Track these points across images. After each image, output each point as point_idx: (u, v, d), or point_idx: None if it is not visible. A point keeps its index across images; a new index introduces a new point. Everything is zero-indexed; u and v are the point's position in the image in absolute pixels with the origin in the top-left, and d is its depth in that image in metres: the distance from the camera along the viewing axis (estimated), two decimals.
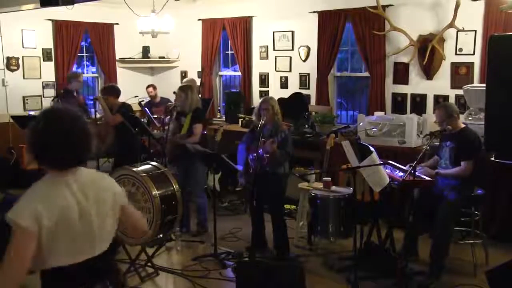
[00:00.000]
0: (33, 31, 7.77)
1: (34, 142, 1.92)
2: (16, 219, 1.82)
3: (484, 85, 4.02)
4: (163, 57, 9.03)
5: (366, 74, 6.76)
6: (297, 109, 6.77)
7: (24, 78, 7.72)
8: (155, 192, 4.22)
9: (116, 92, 6.08)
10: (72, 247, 1.93)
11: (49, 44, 7.96)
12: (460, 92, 5.70)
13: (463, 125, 4.37)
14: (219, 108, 8.68)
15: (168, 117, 6.36)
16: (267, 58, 7.79)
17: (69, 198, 1.93)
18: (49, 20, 7.82)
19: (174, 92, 5.54)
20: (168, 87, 8.37)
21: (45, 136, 1.90)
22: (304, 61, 7.36)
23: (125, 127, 5.79)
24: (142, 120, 6.80)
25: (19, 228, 1.82)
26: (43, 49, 7.90)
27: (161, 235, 4.46)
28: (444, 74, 6.09)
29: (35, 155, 1.94)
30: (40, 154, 1.93)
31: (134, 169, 4.41)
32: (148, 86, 8.07)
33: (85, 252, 1.98)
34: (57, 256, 1.91)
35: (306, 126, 6.61)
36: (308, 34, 7.19)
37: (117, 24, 8.52)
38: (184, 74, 8.89)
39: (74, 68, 8.34)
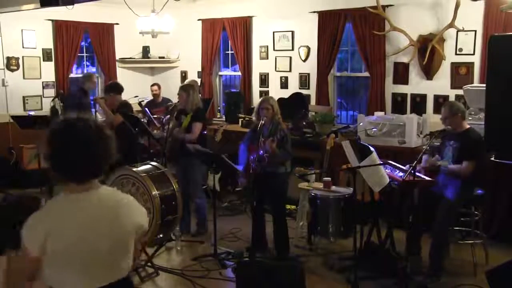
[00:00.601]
0: (33, 31, 7.77)
1: (48, 152, 1.87)
2: (24, 237, 1.83)
3: (484, 85, 4.01)
4: (163, 57, 9.03)
5: (366, 74, 6.76)
6: (297, 109, 6.77)
7: (24, 78, 7.73)
8: (155, 192, 4.23)
9: (119, 90, 6.11)
10: (76, 273, 1.86)
11: (49, 44, 7.96)
12: (460, 92, 5.70)
13: (468, 126, 4.37)
14: (219, 108, 8.69)
15: (168, 116, 6.37)
16: (267, 58, 7.79)
17: (81, 221, 1.85)
18: (49, 20, 7.82)
19: None
20: (168, 87, 8.39)
21: (56, 146, 1.87)
22: (304, 61, 7.37)
23: (125, 127, 5.78)
24: (142, 120, 6.80)
25: (24, 246, 1.84)
26: (43, 49, 7.90)
27: (161, 235, 4.47)
28: (444, 74, 6.09)
29: (51, 165, 1.88)
30: (54, 164, 1.88)
31: (134, 169, 4.42)
32: (153, 85, 8.09)
33: (91, 279, 1.88)
34: (59, 280, 1.86)
35: (304, 123, 6.59)
36: (308, 34, 7.19)
37: (117, 24, 8.52)
38: (184, 74, 8.90)
39: (74, 68, 8.35)
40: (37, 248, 1.82)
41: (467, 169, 4.19)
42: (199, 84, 7.86)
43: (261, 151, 4.53)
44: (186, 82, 7.88)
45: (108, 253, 1.90)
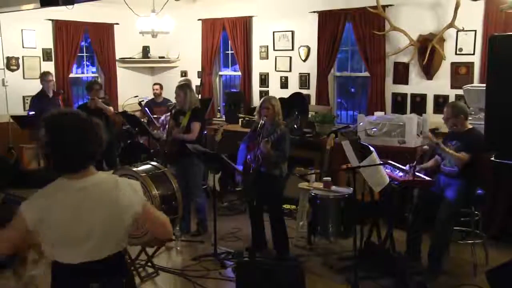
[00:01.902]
0: (33, 31, 7.76)
1: (46, 139, 2.00)
2: (21, 209, 1.97)
3: (484, 85, 4.01)
4: (163, 57, 9.03)
5: (366, 74, 6.76)
6: (293, 110, 6.75)
7: (24, 78, 7.72)
8: (155, 192, 4.22)
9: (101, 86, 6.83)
10: (68, 248, 2.01)
11: (49, 44, 7.96)
12: (460, 92, 5.70)
13: (470, 126, 4.37)
14: (219, 108, 8.68)
15: (164, 116, 6.39)
16: (267, 58, 7.78)
17: (70, 201, 1.99)
18: (49, 20, 7.82)
19: None
20: (168, 87, 8.36)
21: (47, 144, 2.00)
22: (304, 61, 7.36)
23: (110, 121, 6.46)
24: (142, 120, 6.82)
25: (19, 216, 1.97)
26: (43, 49, 7.90)
27: None
28: (444, 74, 6.09)
29: (51, 152, 2.02)
30: (53, 150, 2.01)
31: (134, 168, 4.41)
32: (155, 84, 8.10)
33: (82, 255, 2.02)
34: (58, 252, 2.02)
35: (296, 126, 6.52)
36: (308, 34, 7.19)
37: (117, 24, 8.52)
38: (184, 74, 8.89)
39: (74, 68, 8.35)
40: (31, 224, 1.96)
41: (462, 159, 4.18)
42: (198, 84, 7.86)
43: (258, 151, 4.53)
44: (180, 81, 7.86)
45: (102, 232, 2.03)
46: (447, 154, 4.25)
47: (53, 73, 7.93)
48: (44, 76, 7.10)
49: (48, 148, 2.00)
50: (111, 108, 6.64)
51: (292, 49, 7.47)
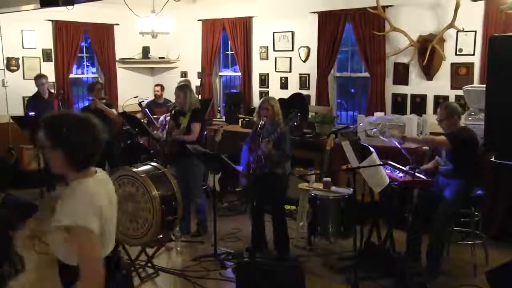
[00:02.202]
0: (33, 31, 7.77)
1: (67, 147, 1.99)
2: (85, 224, 1.90)
3: (484, 85, 4.02)
4: (163, 58, 9.03)
5: (366, 74, 6.76)
6: (291, 109, 6.72)
7: (24, 78, 7.72)
8: (155, 192, 4.22)
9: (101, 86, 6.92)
10: (105, 243, 2.07)
11: (49, 45, 7.96)
12: (460, 92, 5.70)
13: (462, 125, 4.37)
14: (219, 109, 8.68)
15: (163, 117, 6.38)
16: (267, 59, 7.79)
17: (105, 197, 2.08)
18: (49, 20, 7.82)
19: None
20: (168, 87, 8.37)
21: (47, 145, 2.01)
22: (304, 61, 7.37)
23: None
24: (142, 120, 6.82)
25: (89, 232, 1.90)
26: (43, 49, 7.90)
27: (161, 236, 4.46)
28: (444, 74, 6.09)
29: (70, 158, 2.00)
30: (70, 156, 2.01)
31: (134, 169, 4.40)
32: (157, 85, 8.10)
33: (109, 247, 2.11)
34: None
35: (295, 124, 6.52)
36: (308, 34, 7.19)
37: (117, 24, 8.52)
38: (184, 75, 8.90)
39: (74, 69, 8.35)
40: (98, 231, 1.94)
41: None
42: (198, 84, 7.86)
43: (259, 151, 4.53)
44: (180, 81, 7.85)
45: (114, 223, 2.16)
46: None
47: (53, 74, 7.96)
48: (36, 79, 7.08)
49: (48, 149, 2.00)
50: (114, 111, 6.66)
51: (292, 50, 7.47)
